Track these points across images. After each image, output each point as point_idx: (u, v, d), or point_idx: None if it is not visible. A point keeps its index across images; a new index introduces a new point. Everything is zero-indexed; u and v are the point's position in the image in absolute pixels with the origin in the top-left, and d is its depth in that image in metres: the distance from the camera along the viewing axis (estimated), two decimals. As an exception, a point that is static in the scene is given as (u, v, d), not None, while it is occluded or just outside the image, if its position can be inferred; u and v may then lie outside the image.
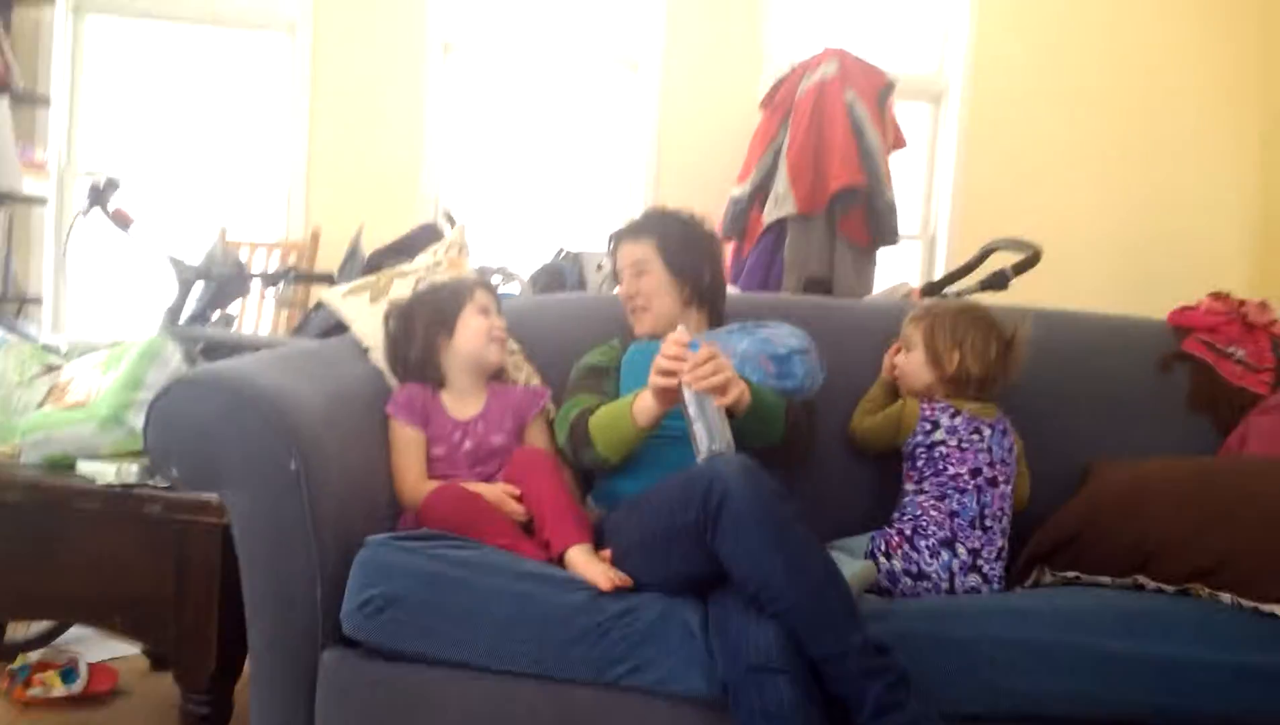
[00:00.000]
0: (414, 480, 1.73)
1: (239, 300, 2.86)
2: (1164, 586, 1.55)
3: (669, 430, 1.72)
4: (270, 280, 2.49)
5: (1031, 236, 2.76)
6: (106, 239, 3.91)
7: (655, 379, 1.58)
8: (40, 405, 1.84)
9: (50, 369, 1.93)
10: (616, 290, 2.04)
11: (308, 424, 1.52)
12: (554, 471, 1.73)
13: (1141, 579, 1.58)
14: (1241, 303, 2.16)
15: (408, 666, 1.46)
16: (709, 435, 1.49)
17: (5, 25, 3.70)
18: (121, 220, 2.29)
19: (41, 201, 3.82)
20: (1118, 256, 4.44)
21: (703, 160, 4.30)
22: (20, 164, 3.65)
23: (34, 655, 2.16)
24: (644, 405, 1.64)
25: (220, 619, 1.65)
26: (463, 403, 1.85)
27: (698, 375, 1.52)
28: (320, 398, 1.61)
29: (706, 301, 1.96)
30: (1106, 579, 1.63)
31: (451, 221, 3.08)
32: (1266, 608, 1.42)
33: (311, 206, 4.07)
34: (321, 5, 4.04)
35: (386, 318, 1.91)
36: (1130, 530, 1.62)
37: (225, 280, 2.60)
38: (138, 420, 1.78)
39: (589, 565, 1.52)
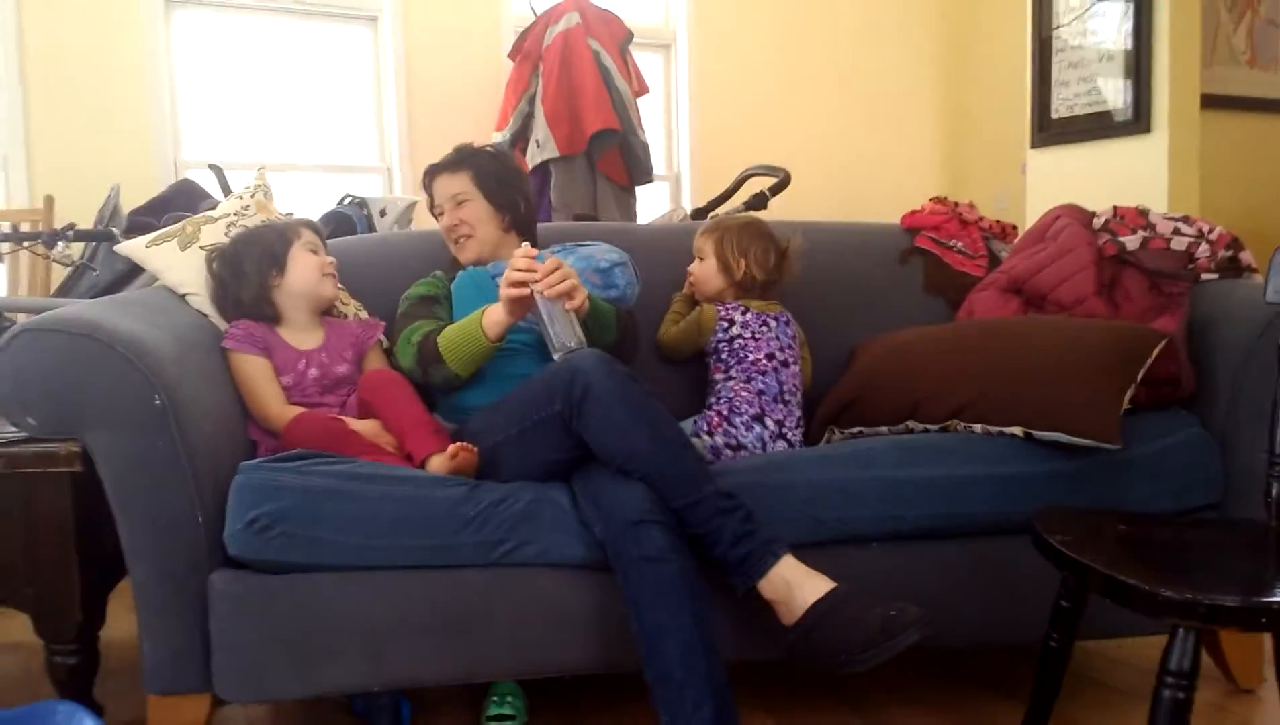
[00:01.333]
0: (279, 406, 1.77)
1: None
2: (929, 427, 1.91)
3: (512, 344, 1.88)
4: (50, 240, 2.34)
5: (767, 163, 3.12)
6: None
7: (507, 291, 1.72)
8: None
9: None
10: (438, 224, 2.13)
11: (165, 362, 1.53)
12: (405, 388, 1.84)
13: (911, 423, 1.93)
14: (956, 204, 2.59)
15: (299, 577, 1.54)
16: (563, 335, 1.67)
17: None
18: None
19: None
20: (837, 175, 5.01)
21: (454, 109, 4.38)
22: None
23: None
24: (494, 319, 1.78)
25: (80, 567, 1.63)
26: (301, 336, 1.90)
27: (549, 282, 1.68)
28: (167, 340, 1.62)
29: (524, 229, 2.11)
30: (884, 429, 1.97)
31: (220, 175, 3.00)
32: (1009, 430, 1.80)
33: (35, 174, 3.77)
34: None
35: (209, 261, 1.91)
36: (897, 386, 1.97)
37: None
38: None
39: (441, 466, 1.67)
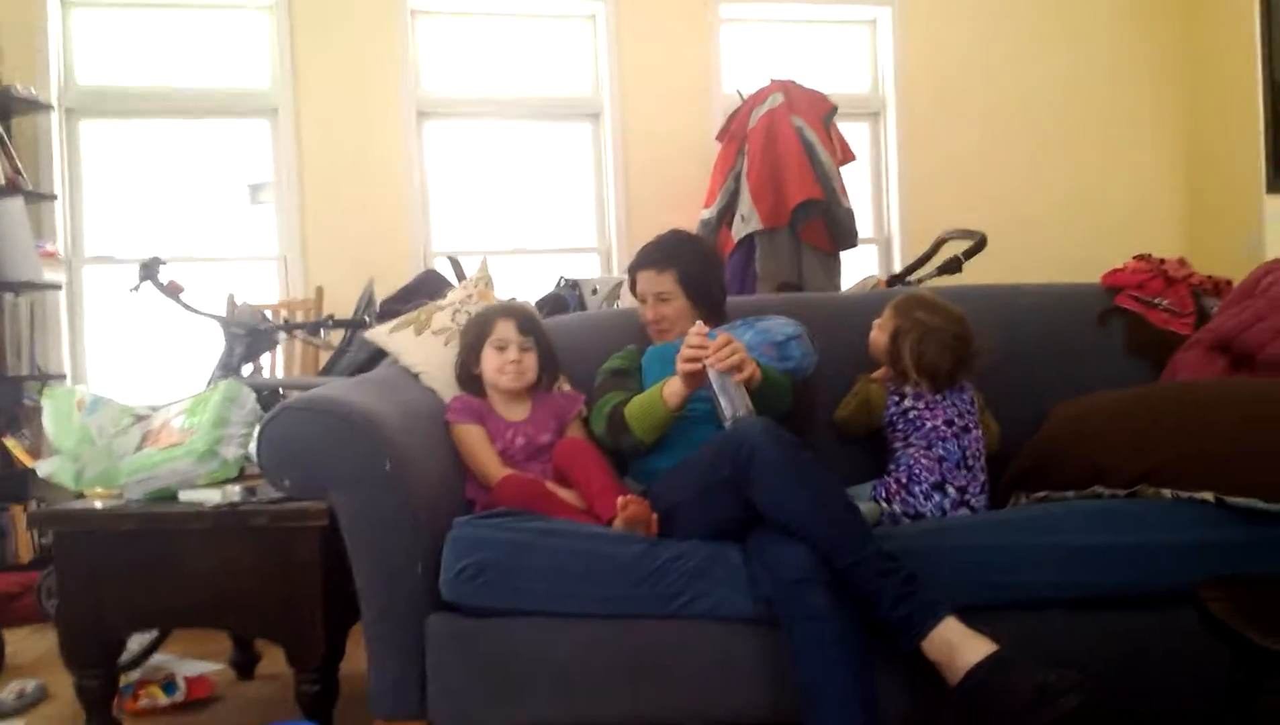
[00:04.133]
0: (496, 468, 2.01)
1: (266, 353, 3.14)
2: (1117, 492, 1.86)
3: (692, 412, 2.03)
4: (313, 328, 2.76)
5: (974, 225, 3.11)
6: (116, 316, 4.19)
7: (683, 366, 1.88)
8: (138, 449, 2.10)
9: (139, 419, 2.19)
10: (639, 310, 2.29)
11: (393, 434, 1.80)
12: (596, 455, 2.03)
13: (1099, 488, 1.90)
14: (1162, 261, 2.51)
15: (501, 621, 1.74)
16: (733, 405, 1.80)
17: (7, 132, 3.96)
18: (174, 290, 2.56)
19: (56, 287, 4.06)
20: (1048, 235, 4.84)
21: (667, 189, 4.65)
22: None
23: (134, 674, 2.39)
24: (672, 389, 1.94)
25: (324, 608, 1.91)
26: (510, 408, 2.14)
27: (719, 356, 1.83)
28: (396, 413, 1.89)
29: (715, 312, 2.26)
30: (1070, 493, 1.94)
31: (456, 265, 3.38)
32: (1199, 496, 1.74)
33: (309, 269, 4.36)
34: (302, 89, 4.36)
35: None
36: (1084, 450, 1.94)
37: (257, 335, 2.87)
38: (228, 451, 2.06)
39: (621, 515, 1.81)
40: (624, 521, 1.81)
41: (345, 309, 3.31)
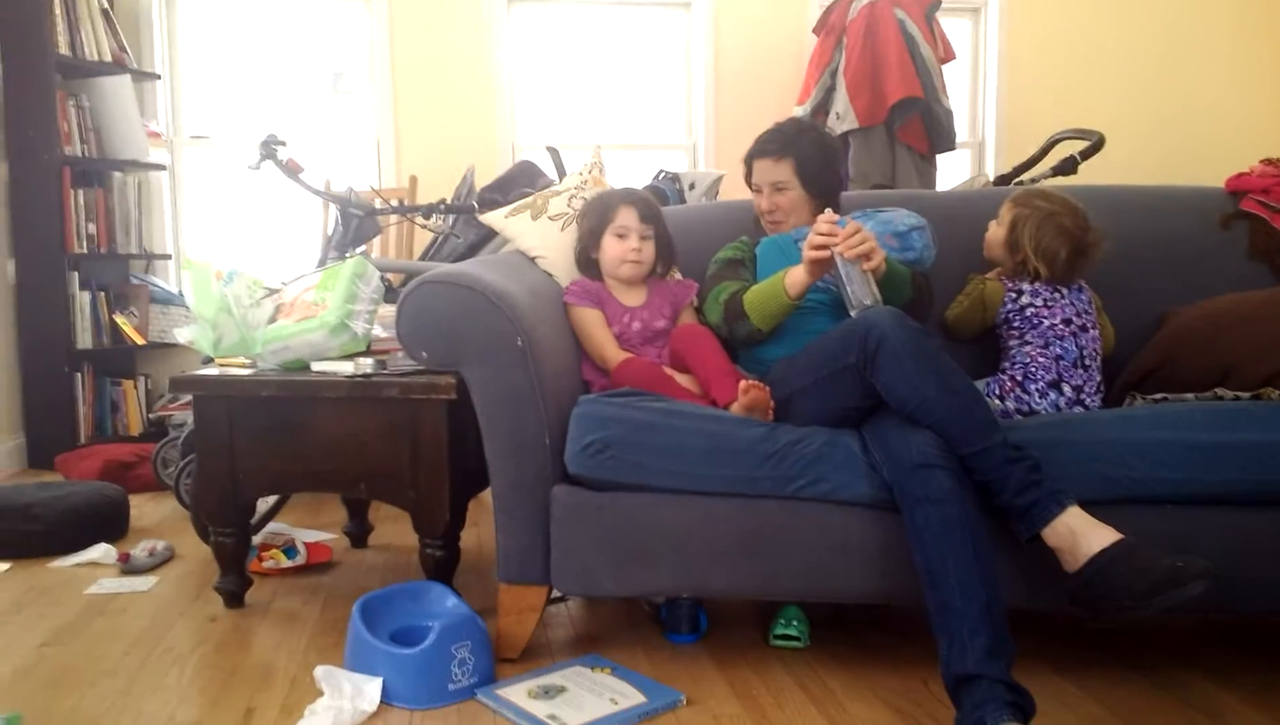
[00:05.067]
0: (613, 350, 2.06)
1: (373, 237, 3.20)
2: (1240, 394, 1.86)
3: (809, 303, 2.04)
4: (426, 212, 2.81)
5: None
6: (211, 197, 4.30)
7: (810, 253, 1.88)
8: (271, 321, 2.18)
9: (271, 292, 2.27)
10: (754, 200, 2.27)
11: (524, 311, 1.85)
12: (712, 340, 2.06)
13: (1220, 391, 1.89)
14: (1290, 165, 2.43)
15: (624, 495, 1.81)
16: (860, 293, 1.81)
17: (111, 6, 4.01)
18: (293, 169, 2.61)
19: (161, 167, 4.16)
20: (1156, 141, 4.68)
21: (760, 86, 4.58)
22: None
23: (255, 538, 2.53)
24: (795, 278, 1.95)
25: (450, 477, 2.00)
26: (627, 294, 2.18)
27: (849, 244, 1.83)
28: (524, 293, 1.94)
29: (831, 201, 2.25)
30: (1190, 396, 1.94)
31: (555, 155, 3.38)
32: (1329, 399, 1.73)
33: (402, 156, 4.40)
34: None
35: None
36: (1207, 353, 1.93)
37: (368, 218, 2.92)
38: (358, 325, 2.14)
39: (742, 400, 1.85)
40: (743, 407, 1.86)
41: (437, 197, 3.35)
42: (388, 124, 4.39)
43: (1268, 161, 2.46)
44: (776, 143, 2.21)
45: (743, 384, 1.86)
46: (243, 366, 2.20)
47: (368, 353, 2.17)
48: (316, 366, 2.11)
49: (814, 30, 4.25)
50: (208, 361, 2.36)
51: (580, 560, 1.83)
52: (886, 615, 2.10)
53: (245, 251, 4.32)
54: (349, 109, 4.46)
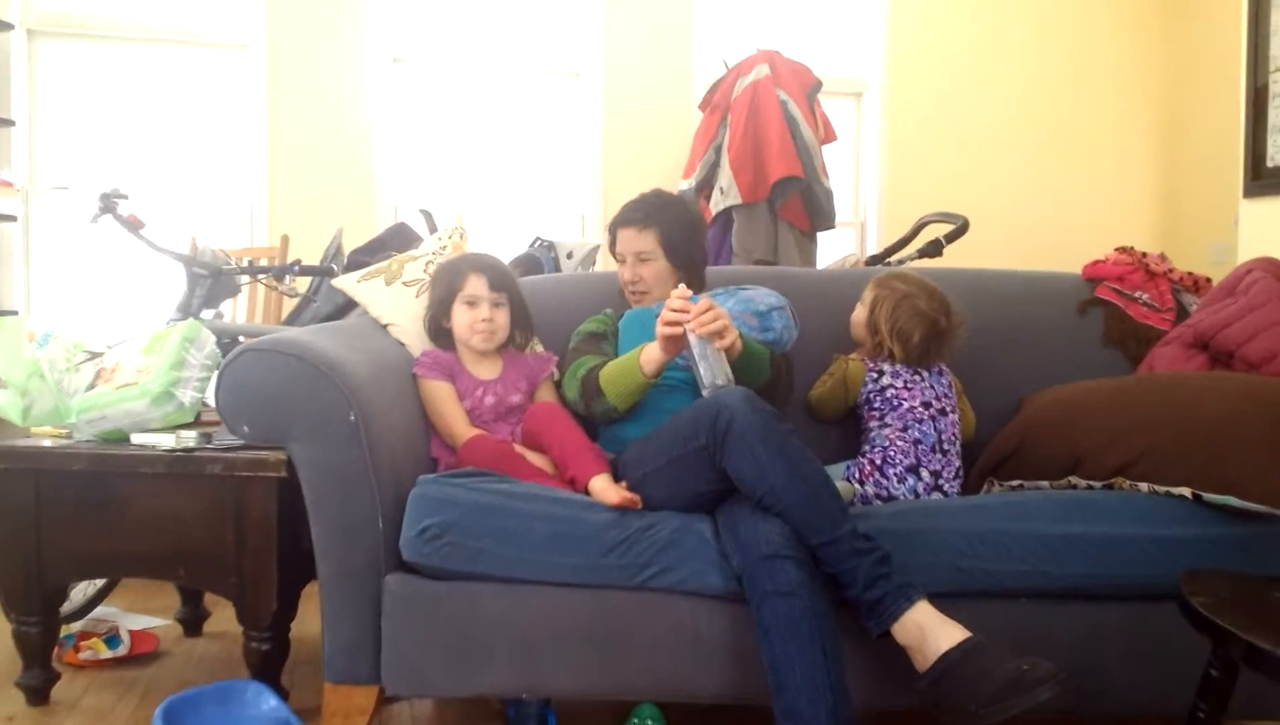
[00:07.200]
0: (463, 427, 1.94)
1: (228, 299, 3.03)
2: (1092, 483, 1.85)
3: (667, 381, 1.98)
4: (278, 273, 2.66)
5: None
6: (70, 251, 4.05)
7: (662, 329, 1.82)
8: (90, 388, 2.01)
9: (93, 356, 2.09)
10: (618, 271, 2.22)
11: (360, 383, 1.73)
12: (568, 418, 1.97)
13: (1074, 479, 1.88)
14: (1144, 255, 2.49)
15: (462, 585, 1.68)
16: (713, 372, 1.75)
17: (-36, 50, 3.79)
18: (134, 224, 2.45)
19: (11, 219, 3.90)
20: (1026, 226, 4.86)
21: (647, 157, 4.58)
22: (-10, 183, 3.74)
23: (76, 625, 2.30)
24: (650, 356, 1.88)
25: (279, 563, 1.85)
26: (481, 366, 2.07)
27: (701, 321, 1.77)
28: (363, 363, 1.82)
29: (694, 276, 2.21)
30: (1045, 483, 1.93)
31: (429, 218, 3.28)
32: (1176, 491, 1.72)
33: (275, 216, 4.24)
34: (273, 23, 4.21)
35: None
36: (1061, 439, 1.92)
37: (220, 278, 2.76)
38: (184, 394, 1.98)
39: (607, 490, 1.75)
40: (610, 503, 1.72)
41: (311, 259, 3.21)
42: (261, 180, 4.23)
43: (1122, 250, 2.52)
44: (641, 212, 2.17)
45: (630, 497, 1.72)
46: (57, 436, 2.02)
47: (195, 424, 2.01)
48: (136, 438, 1.94)
49: (700, 106, 4.29)
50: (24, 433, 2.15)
51: (414, 657, 1.69)
52: (746, 713, 2.00)
53: (102, 308, 4.07)
54: (222, 164, 4.28)
